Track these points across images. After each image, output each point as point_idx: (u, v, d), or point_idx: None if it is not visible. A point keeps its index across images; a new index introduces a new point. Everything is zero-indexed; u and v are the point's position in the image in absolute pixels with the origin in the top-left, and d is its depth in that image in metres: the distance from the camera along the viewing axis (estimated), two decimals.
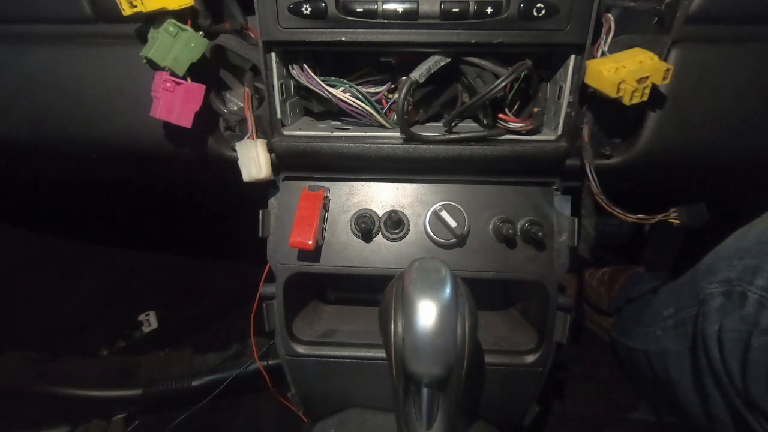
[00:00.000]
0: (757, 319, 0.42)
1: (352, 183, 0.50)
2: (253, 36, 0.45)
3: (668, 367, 0.58)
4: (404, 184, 0.50)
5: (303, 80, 0.46)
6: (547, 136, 0.47)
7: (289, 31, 0.41)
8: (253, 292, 0.51)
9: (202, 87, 0.43)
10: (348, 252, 0.49)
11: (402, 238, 0.49)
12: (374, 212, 0.49)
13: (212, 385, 0.85)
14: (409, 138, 0.45)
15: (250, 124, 0.46)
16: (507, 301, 0.60)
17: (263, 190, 0.51)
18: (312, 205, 0.46)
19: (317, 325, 0.55)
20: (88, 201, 0.99)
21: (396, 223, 0.48)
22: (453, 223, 0.47)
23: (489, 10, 0.39)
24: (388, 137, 0.47)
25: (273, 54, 0.44)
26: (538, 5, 0.39)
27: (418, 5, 0.39)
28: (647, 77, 0.38)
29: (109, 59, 0.45)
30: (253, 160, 0.45)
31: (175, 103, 0.42)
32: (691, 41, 0.42)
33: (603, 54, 0.41)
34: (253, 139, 0.46)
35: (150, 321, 1.10)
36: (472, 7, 0.39)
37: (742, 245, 0.46)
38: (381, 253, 0.49)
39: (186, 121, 0.43)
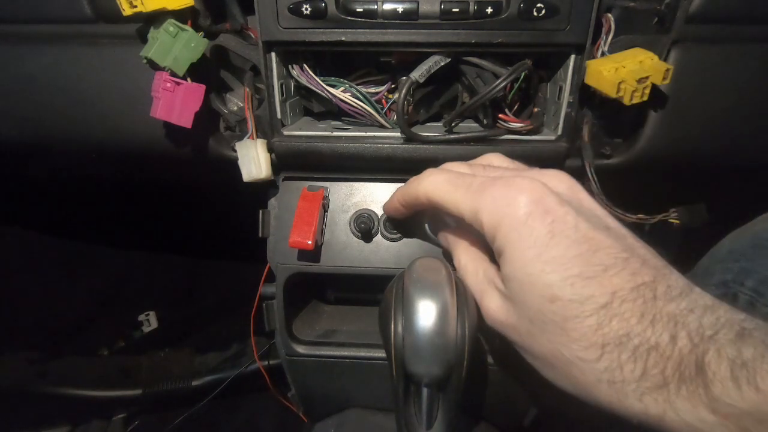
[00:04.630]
0: None
1: (351, 183, 0.50)
2: (253, 36, 0.45)
3: None
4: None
5: (303, 80, 0.46)
6: (547, 136, 0.47)
7: (289, 31, 0.41)
8: (253, 292, 0.51)
9: (202, 87, 0.43)
10: (348, 252, 0.49)
11: (401, 238, 0.49)
12: (374, 212, 0.49)
13: (212, 385, 0.85)
14: (409, 138, 0.45)
15: (250, 124, 0.46)
16: None
17: (263, 190, 0.51)
18: (311, 205, 0.46)
19: (317, 325, 0.55)
20: (88, 201, 0.99)
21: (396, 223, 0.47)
22: (452, 223, 0.46)
23: (489, 10, 0.39)
24: (388, 137, 0.47)
25: (273, 54, 0.44)
26: (538, 5, 0.39)
27: (418, 5, 0.39)
28: (647, 77, 0.38)
29: (109, 59, 0.45)
30: (253, 160, 0.45)
31: (175, 103, 0.42)
32: (691, 41, 0.42)
33: (603, 54, 0.41)
34: (253, 139, 0.46)
35: (150, 321, 1.10)
36: (472, 7, 0.39)
37: (737, 247, 0.46)
38: (381, 253, 0.49)
39: (186, 121, 0.43)
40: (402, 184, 0.50)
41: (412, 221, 0.47)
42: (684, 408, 0.23)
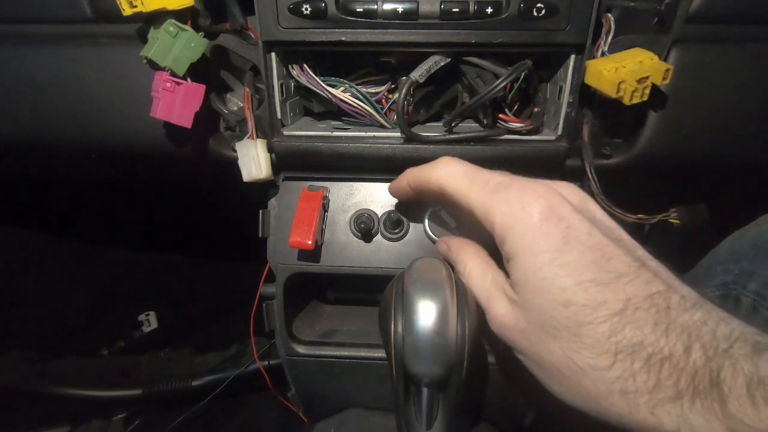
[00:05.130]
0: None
1: (351, 183, 0.50)
2: (253, 36, 0.45)
3: None
4: None
5: (303, 80, 0.46)
6: (547, 136, 0.47)
7: (289, 31, 0.41)
8: (253, 292, 0.51)
9: (202, 87, 0.43)
10: (348, 252, 0.49)
11: (401, 238, 0.49)
12: (374, 212, 0.49)
13: (212, 385, 0.85)
14: (409, 138, 0.45)
15: (250, 124, 0.46)
16: None
17: (263, 190, 0.51)
18: (311, 205, 0.46)
19: (317, 325, 0.55)
20: (88, 201, 0.99)
21: (395, 223, 0.48)
22: (453, 223, 0.47)
23: (489, 10, 0.39)
24: (388, 137, 0.47)
25: (273, 54, 0.44)
26: (538, 5, 0.39)
27: (418, 5, 0.39)
28: (647, 77, 0.38)
29: (109, 59, 0.45)
30: (253, 160, 0.45)
31: (175, 103, 0.42)
32: (691, 41, 0.42)
33: (603, 54, 0.41)
34: (253, 139, 0.46)
35: (150, 321, 1.10)
36: (472, 7, 0.39)
37: (737, 249, 0.46)
38: (380, 253, 0.49)
39: (186, 121, 0.43)
40: None
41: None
42: (698, 423, 0.23)
